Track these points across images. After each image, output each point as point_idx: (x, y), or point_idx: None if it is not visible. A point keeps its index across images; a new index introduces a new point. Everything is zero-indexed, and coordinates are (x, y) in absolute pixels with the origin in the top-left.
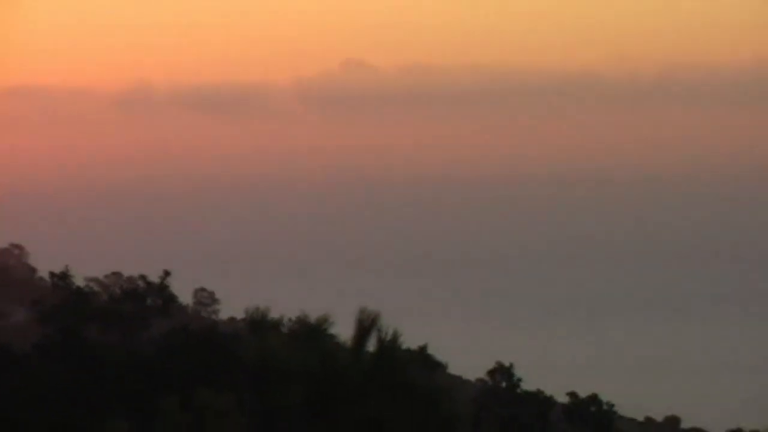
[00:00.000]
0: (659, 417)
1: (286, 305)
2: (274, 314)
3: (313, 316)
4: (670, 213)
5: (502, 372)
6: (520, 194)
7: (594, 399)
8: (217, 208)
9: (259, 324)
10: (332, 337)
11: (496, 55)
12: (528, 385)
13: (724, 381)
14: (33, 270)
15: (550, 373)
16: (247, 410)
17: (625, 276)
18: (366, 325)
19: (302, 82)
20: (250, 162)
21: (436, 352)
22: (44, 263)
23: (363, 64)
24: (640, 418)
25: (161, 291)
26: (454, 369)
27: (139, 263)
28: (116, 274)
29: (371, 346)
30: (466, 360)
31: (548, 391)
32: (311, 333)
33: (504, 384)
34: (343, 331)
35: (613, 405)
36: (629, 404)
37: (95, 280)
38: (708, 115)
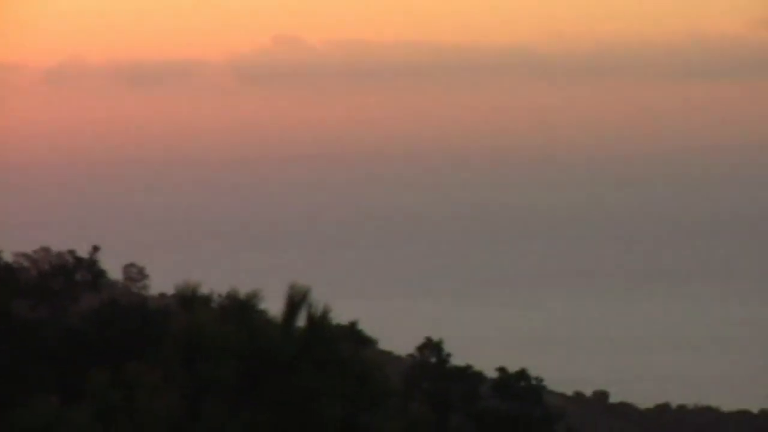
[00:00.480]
0: (588, 392)
1: (216, 281)
2: (203, 290)
3: (243, 291)
4: (601, 188)
5: (432, 347)
6: (454, 167)
7: (522, 374)
8: (148, 183)
9: (189, 299)
10: (262, 312)
11: (429, 31)
12: (457, 360)
13: (652, 357)
14: None
15: (480, 348)
16: (177, 385)
17: (554, 252)
18: (296, 300)
19: (236, 58)
20: (182, 137)
21: (367, 327)
22: None
23: (296, 40)
24: (570, 393)
25: (90, 266)
26: (384, 345)
27: (68, 238)
28: (45, 250)
29: (301, 321)
30: (397, 335)
31: (477, 366)
32: (241, 309)
33: (433, 359)
34: (273, 306)
35: (542, 380)
36: (558, 379)
37: (24, 255)
38: (641, 89)
